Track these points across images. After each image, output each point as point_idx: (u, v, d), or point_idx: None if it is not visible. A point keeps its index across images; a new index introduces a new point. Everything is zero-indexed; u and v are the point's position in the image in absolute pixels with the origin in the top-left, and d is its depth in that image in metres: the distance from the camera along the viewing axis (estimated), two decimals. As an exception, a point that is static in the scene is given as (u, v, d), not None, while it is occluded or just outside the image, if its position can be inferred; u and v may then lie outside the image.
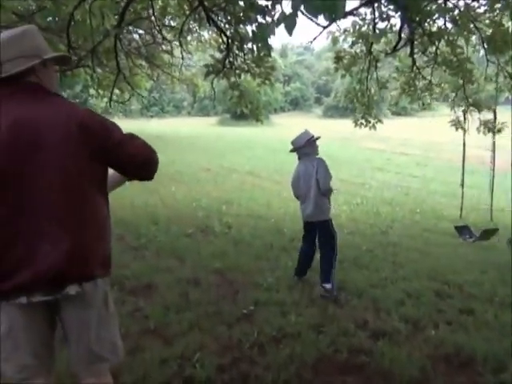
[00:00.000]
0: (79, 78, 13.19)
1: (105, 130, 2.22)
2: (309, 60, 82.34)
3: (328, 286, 5.51)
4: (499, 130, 9.09)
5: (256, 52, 7.30)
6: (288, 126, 43.87)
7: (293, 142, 5.95)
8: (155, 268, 6.18)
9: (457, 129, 9.43)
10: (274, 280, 5.83)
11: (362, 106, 9.90)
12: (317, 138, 5.93)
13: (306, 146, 5.82)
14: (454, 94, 9.58)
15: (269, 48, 6.16)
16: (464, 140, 7.32)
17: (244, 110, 9.06)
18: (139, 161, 2.31)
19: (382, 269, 6.46)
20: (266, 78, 8.45)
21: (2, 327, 2.19)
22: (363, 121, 9.96)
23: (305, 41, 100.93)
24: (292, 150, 6.00)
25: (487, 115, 9.51)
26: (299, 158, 5.98)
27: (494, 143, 7.04)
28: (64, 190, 2.12)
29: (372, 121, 9.92)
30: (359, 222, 9.80)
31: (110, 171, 2.36)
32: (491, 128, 9.40)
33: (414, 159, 23.60)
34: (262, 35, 4.40)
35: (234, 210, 10.31)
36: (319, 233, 5.83)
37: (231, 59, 7.99)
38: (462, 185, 7.40)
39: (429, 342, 4.34)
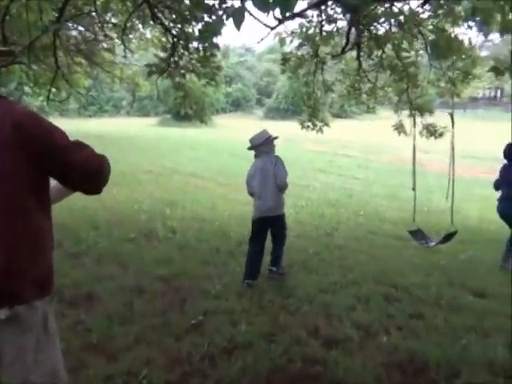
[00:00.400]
0: (14, 75, 12.56)
1: (44, 131, 1.99)
2: (250, 61, 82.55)
3: (274, 268, 6.17)
4: (441, 134, 9.27)
5: (202, 51, 7.12)
6: (230, 127, 43.82)
7: (251, 140, 6.21)
8: (96, 276, 5.88)
9: (399, 133, 9.55)
10: (222, 287, 5.66)
11: (308, 109, 9.87)
12: (275, 138, 6.22)
13: (263, 145, 6.11)
14: (397, 98, 9.70)
15: (216, 46, 6.00)
16: (414, 144, 7.35)
17: (188, 111, 8.81)
18: (87, 171, 2.07)
19: (330, 273, 6.40)
20: (212, 79, 8.26)
21: None
22: (310, 124, 9.93)
23: (246, 42, 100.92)
24: (250, 148, 6.26)
25: (429, 119, 9.70)
26: (256, 156, 6.23)
27: (452, 148, 7.08)
28: None
29: (319, 124, 9.91)
30: (305, 224, 9.76)
31: (54, 181, 2.14)
32: (433, 132, 9.58)
33: (355, 161, 23.91)
34: (213, 31, 4.23)
35: (177, 213, 10.05)
36: (275, 226, 6.17)
37: (176, 59, 7.75)
38: (414, 188, 7.41)
39: (381, 349, 4.29)
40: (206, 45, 6.51)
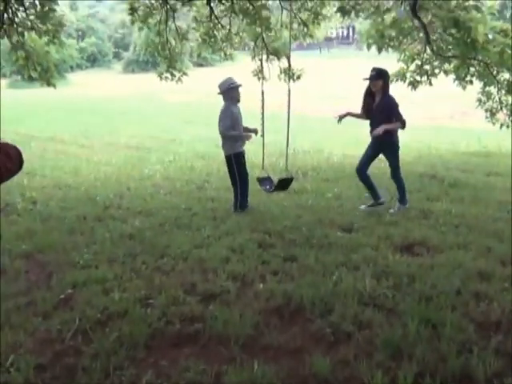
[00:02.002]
0: None
1: None
2: (102, 12, 78.50)
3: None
4: (298, 77, 9.39)
5: (39, 6, 6.46)
6: (88, 84, 41.63)
7: (218, 86, 6.98)
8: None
9: (259, 78, 9.55)
10: (92, 255, 5.38)
11: (164, 59, 9.54)
12: (236, 86, 6.91)
13: (225, 92, 6.90)
14: (253, 43, 9.65)
15: (53, 1, 5.48)
16: (262, 90, 7.39)
17: (32, 73, 8.03)
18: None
19: (203, 227, 6.32)
20: (54, 36, 7.59)
21: None
22: (168, 74, 9.63)
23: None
24: (218, 93, 7.04)
25: (286, 63, 9.78)
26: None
27: (289, 90, 7.26)
28: None
29: (177, 74, 9.63)
30: (175, 180, 9.57)
31: None
32: (291, 75, 9.68)
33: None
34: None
35: (37, 182, 9.42)
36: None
37: (10, 15, 7.00)
38: (263, 135, 7.47)
39: (259, 297, 4.33)
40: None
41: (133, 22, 8.93)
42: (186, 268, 5.05)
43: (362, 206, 6.98)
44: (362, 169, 6.84)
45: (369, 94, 6.81)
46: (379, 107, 6.66)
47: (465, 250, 5.37)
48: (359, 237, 5.86)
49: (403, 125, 6.70)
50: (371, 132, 6.75)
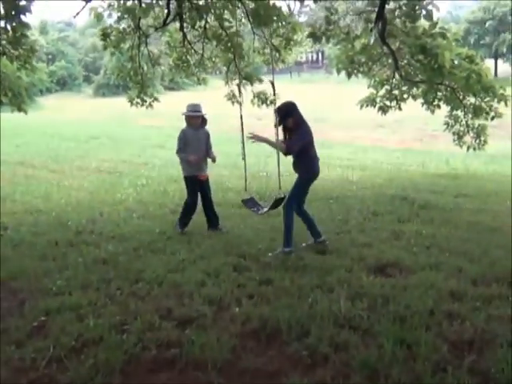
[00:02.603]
0: None
1: None
2: (72, 36, 78.51)
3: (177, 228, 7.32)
4: (272, 102, 9.49)
5: (11, 32, 6.44)
6: (57, 109, 41.38)
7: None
8: None
9: (233, 103, 9.66)
10: (64, 281, 5.30)
11: (136, 85, 9.56)
12: (191, 115, 7.27)
13: (186, 116, 7.33)
14: (226, 68, 9.76)
15: (26, 26, 5.46)
16: (241, 114, 7.45)
17: (3, 99, 7.96)
18: None
19: (178, 251, 6.31)
20: (26, 61, 7.57)
21: None
22: (139, 100, 9.65)
23: (66, 16, 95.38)
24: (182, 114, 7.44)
25: (259, 87, 9.92)
26: None
27: (275, 113, 7.30)
28: None
29: (148, 100, 9.66)
30: (148, 204, 9.54)
31: None
32: (264, 100, 9.82)
33: (192, 133, 23.91)
34: (19, 8, 3.82)
35: (7, 208, 9.27)
36: None
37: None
38: (244, 158, 7.52)
39: (235, 321, 4.32)
40: (15, 24, 5.88)
41: (105, 48, 8.95)
42: (162, 293, 5.02)
43: (303, 244, 6.51)
44: (298, 207, 6.58)
45: (286, 129, 6.45)
46: (295, 140, 6.32)
47: (436, 270, 5.47)
48: (333, 259, 5.92)
49: (285, 152, 6.36)
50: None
